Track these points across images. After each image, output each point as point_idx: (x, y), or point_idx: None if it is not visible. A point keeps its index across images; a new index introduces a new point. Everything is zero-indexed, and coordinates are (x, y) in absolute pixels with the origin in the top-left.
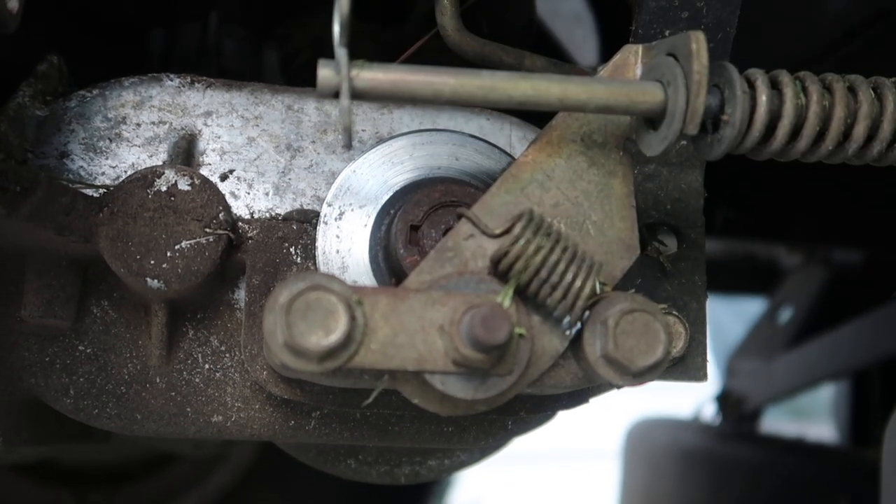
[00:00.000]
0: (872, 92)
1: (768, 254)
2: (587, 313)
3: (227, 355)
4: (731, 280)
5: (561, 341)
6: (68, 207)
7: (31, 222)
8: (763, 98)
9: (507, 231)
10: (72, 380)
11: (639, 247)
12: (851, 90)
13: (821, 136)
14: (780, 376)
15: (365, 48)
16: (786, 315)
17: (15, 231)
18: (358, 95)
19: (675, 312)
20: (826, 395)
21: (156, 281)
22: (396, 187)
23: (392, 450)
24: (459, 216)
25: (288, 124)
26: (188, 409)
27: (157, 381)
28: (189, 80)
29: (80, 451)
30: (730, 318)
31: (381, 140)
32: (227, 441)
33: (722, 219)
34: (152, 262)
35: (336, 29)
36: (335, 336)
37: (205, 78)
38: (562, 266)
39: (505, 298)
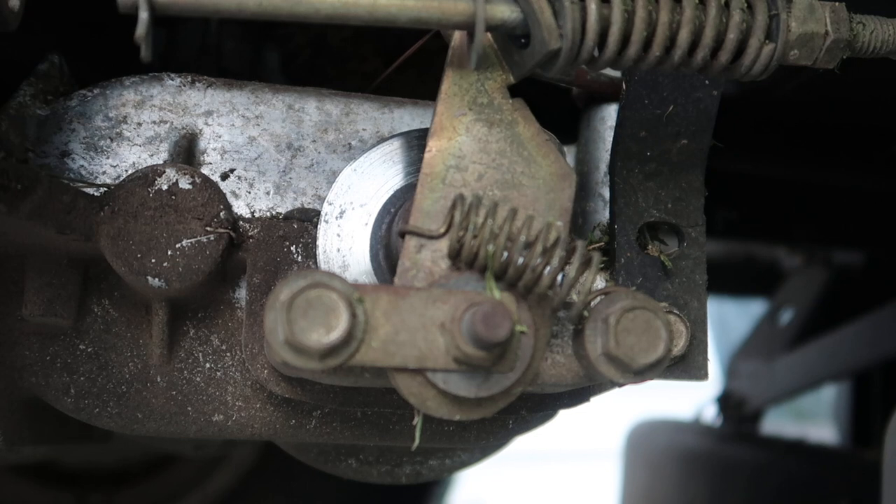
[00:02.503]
0: None
1: (769, 255)
2: (587, 313)
3: (228, 354)
4: (732, 281)
5: (552, 321)
6: (69, 206)
7: (31, 221)
8: (592, 6)
9: (449, 225)
10: (72, 379)
11: (573, 171)
12: None
13: (648, 42)
14: (781, 377)
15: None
16: (787, 316)
17: (16, 229)
18: (159, 9)
19: (675, 311)
20: (827, 397)
21: (157, 280)
22: (397, 186)
23: (393, 449)
24: (401, 235)
25: (289, 123)
26: (189, 409)
27: (158, 380)
28: (190, 79)
29: (80, 452)
30: (737, 317)
31: (381, 139)
32: (227, 441)
33: (723, 220)
34: (153, 260)
35: None
36: (336, 333)
37: (206, 77)
38: (514, 226)
39: (492, 290)
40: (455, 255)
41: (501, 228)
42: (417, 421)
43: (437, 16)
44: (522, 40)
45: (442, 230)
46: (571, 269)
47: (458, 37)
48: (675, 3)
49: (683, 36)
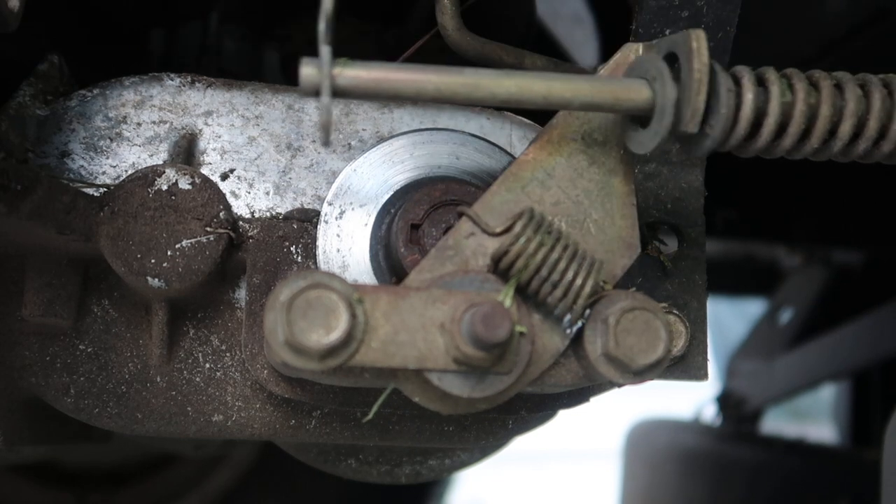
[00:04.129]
0: (859, 89)
1: (768, 255)
2: (588, 312)
3: (228, 354)
4: (732, 281)
5: (562, 339)
6: (69, 206)
7: (31, 221)
8: (749, 95)
9: (507, 229)
10: (72, 379)
11: (639, 245)
12: (838, 87)
13: (806, 133)
14: (781, 377)
15: (366, 48)
16: (786, 316)
17: (16, 230)
18: (340, 94)
19: (675, 311)
20: (827, 397)
21: (156, 280)
22: (397, 186)
23: (393, 449)
24: (460, 214)
25: (288, 124)
26: (189, 409)
27: (158, 380)
28: (190, 79)
29: (80, 453)
30: (733, 318)
31: (381, 139)
32: (227, 441)
33: (722, 219)
34: (153, 260)
35: (321, 26)
36: (336, 334)
37: (205, 77)
38: (562, 264)
39: (506, 297)
40: (497, 259)
41: (551, 261)
42: (383, 396)
43: (611, 101)
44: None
45: (499, 230)
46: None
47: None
48: (836, 93)
49: (845, 129)
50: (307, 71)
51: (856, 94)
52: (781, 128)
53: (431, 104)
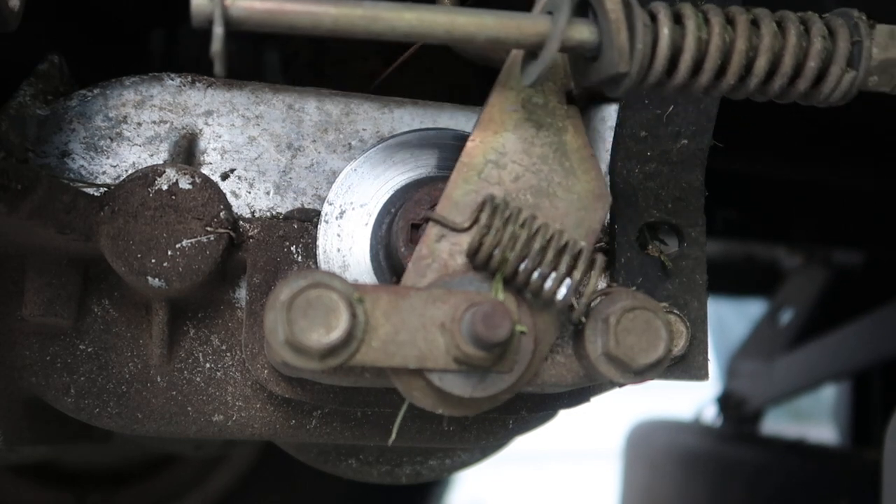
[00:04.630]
0: (776, 25)
1: (769, 255)
2: (586, 316)
3: (228, 354)
4: (732, 282)
5: (556, 323)
6: (69, 206)
7: (32, 220)
8: (665, 31)
9: (475, 222)
10: (72, 379)
11: (609, 194)
12: (755, 23)
13: (723, 69)
14: (781, 378)
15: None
16: (786, 316)
17: (16, 229)
18: (234, 24)
19: (676, 311)
20: (827, 397)
21: (157, 279)
22: (397, 186)
23: (393, 449)
24: (426, 220)
25: (289, 123)
26: (189, 409)
27: (158, 380)
28: (190, 79)
29: (80, 453)
30: (735, 318)
31: (381, 139)
32: (227, 441)
33: (722, 220)
34: (153, 260)
35: None
36: (336, 333)
37: (205, 77)
38: (537, 243)
39: (497, 292)
40: (472, 254)
41: (525, 241)
42: (400, 414)
43: (516, 35)
44: (593, 53)
45: (466, 225)
46: (576, 273)
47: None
48: (753, 29)
49: (761, 64)
50: (198, 1)
51: (771, 29)
52: (698, 64)
53: (432, 105)
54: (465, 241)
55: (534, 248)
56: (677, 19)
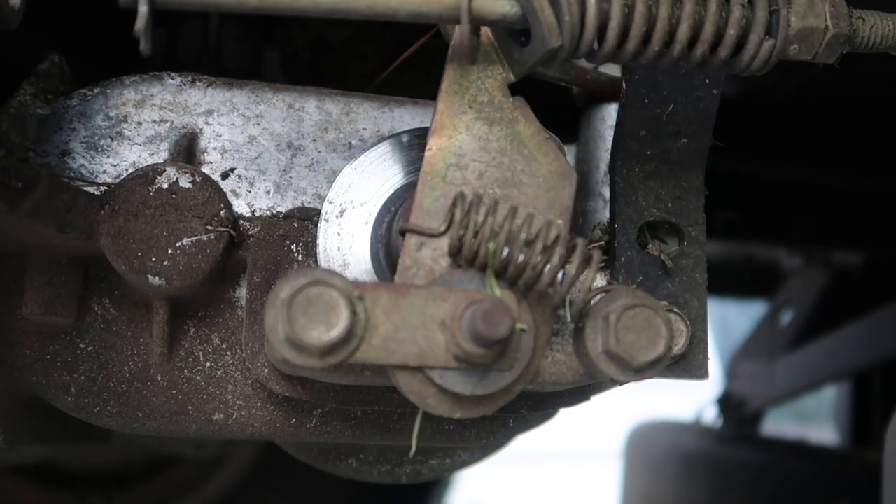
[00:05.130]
0: None
1: (769, 256)
2: (586, 314)
3: (229, 353)
4: (732, 282)
5: (552, 319)
6: (69, 205)
7: (32, 219)
8: (591, 1)
9: (449, 223)
10: (73, 378)
11: (574, 170)
12: None
13: (647, 37)
14: (782, 378)
15: (366, 48)
16: (787, 317)
17: (16, 228)
18: (158, 3)
19: (676, 310)
20: (828, 398)
21: (157, 278)
22: (397, 185)
23: (393, 449)
24: (402, 233)
25: (289, 123)
26: (189, 408)
27: (159, 379)
28: (190, 78)
29: (80, 453)
30: (739, 318)
31: (382, 138)
32: (227, 441)
33: (722, 221)
34: (153, 259)
35: None
36: (337, 331)
37: (206, 76)
38: (514, 225)
39: (492, 287)
40: (455, 253)
41: (501, 226)
42: (417, 424)
43: (438, 10)
44: (523, 38)
45: (442, 228)
46: (572, 267)
47: (457, 34)
48: None
49: (683, 31)
50: None
51: None
52: (625, 32)
53: (432, 104)
54: (444, 244)
55: (513, 231)
56: None
